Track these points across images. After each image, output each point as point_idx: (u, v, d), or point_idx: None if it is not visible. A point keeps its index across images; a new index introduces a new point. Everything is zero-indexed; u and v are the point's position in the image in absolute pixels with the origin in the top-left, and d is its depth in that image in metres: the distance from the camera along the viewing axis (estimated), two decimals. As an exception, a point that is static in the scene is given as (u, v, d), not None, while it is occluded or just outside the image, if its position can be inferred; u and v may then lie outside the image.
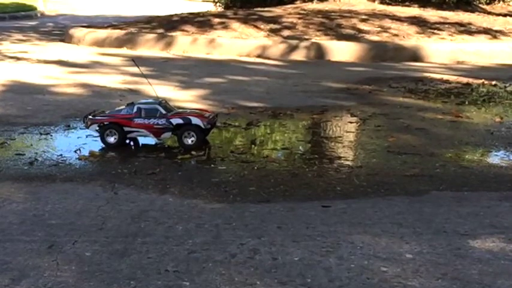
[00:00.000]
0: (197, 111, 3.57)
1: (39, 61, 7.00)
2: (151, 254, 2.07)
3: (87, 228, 2.29)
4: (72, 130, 3.81)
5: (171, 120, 3.38)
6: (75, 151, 3.33)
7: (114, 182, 2.82)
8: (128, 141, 3.47)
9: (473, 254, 2.11)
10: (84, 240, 2.17)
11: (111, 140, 3.40)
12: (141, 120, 3.39)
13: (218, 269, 1.97)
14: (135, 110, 3.41)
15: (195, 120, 3.38)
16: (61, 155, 3.26)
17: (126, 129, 3.40)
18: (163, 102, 3.48)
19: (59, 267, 1.96)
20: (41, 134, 3.71)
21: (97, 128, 3.43)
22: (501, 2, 11.75)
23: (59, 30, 11.31)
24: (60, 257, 2.04)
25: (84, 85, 5.42)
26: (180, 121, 3.38)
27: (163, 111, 3.40)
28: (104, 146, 3.41)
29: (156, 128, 3.39)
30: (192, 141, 3.38)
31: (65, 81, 5.61)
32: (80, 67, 6.58)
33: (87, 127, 3.46)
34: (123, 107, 3.55)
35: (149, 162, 3.16)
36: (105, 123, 3.41)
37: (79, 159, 3.19)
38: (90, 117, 3.45)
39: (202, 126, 3.38)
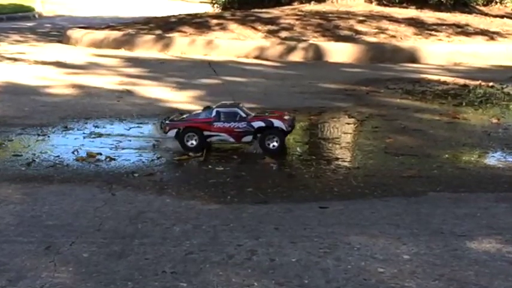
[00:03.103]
0: (276, 113, 3.47)
1: (36, 62, 7.00)
2: (149, 255, 2.07)
3: (85, 229, 2.29)
4: (70, 131, 3.81)
5: (252, 123, 3.30)
6: (73, 152, 3.32)
7: (112, 183, 2.82)
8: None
9: (470, 255, 2.11)
10: (81, 241, 2.17)
11: (191, 144, 3.34)
12: (221, 124, 3.31)
13: (215, 270, 1.97)
14: (214, 113, 3.33)
15: (277, 123, 3.30)
16: (58, 156, 3.26)
17: (206, 133, 3.32)
18: (241, 105, 3.40)
19: (56, 269, 1.96)
20: (38, 135, 3.71)
21: (176, 133, 3.35)
22: (498, 4, 11.78)
23: (56, 31, 11.30)
24: (57, 258, 2.04)
25: (81, 86, 5.42)
26: (262, 124, 3.30)
27: (243, 115, 3.32)
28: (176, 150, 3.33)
29: (236, 131, 3.31)
30: (274, 145, 3.31)
31: (62, 83, 5.61)
32: (77, 68, 6.58)
33: (166, 132, 3.38)
34: (200, 111, 3.47)
35: (147, 163, 3.16)
36: (185, 127, 3.34)
37: (76, 160, 3.19)
38: (169, 122, 3.39)
39: (284, 129, 3.31)
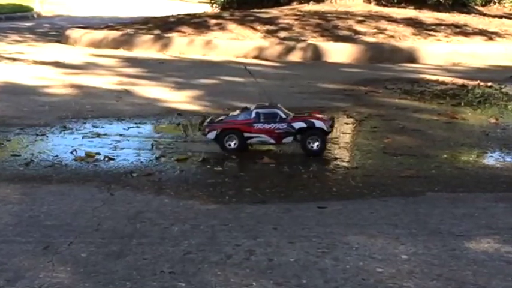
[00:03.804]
0: (313, 113, 3.43)
1: (35, 62, 7.00)
2: (147, 255, 2.07)
3: (83, 229, 2.28)
4: (68, 131, 3.81)
5: (292, 124, 3.26)
6: (71, 152, 3.32)
7: (110, 183, 2.82)
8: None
9: (468, 255, 2.12)
10: (79, 241, 2.17)
11: (231, 146, 3.31)
12: (261, 125, 3.27)
13: (214, 270, 1.97)
14: (253, 115, 3.29)
15: (319, 124, 3.25)
16: (57, 156, 3.26)
17: (246, 134, 3.29)
18: (279, 106, 3.37)
19: (54, 268, 1.96)
20: (36, 135, 3.70)
21: (216, 135, 3.32)
22: (497, 4, 11.80)
23: (55, 31, 11.30)
24: (55, 258, 2.03)
25: (80, 86, 5.42)
26: (303, 125, 3.26)
27: (283, 115, 3.29)
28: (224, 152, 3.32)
29: (277, 132, 3.28)
30: (317, 145, 3.27)
31: (61, 83, 5.60)
32: (76, 68, 6.57)
33: (205, 134, 3.36)
34: (238, 112, 3.42)
35: (145, 163, 3.16)
36: (225, 129, 3.31)
37: (75, 160, 3.19)
38: (208, 123, 3.36)
39: (326, 129, 3.27)
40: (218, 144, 3.34)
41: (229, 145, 3.31)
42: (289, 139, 3.30)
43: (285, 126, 3.27)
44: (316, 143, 3.27)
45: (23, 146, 3.46)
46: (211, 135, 3.33)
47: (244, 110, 3.39)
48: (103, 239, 2.19)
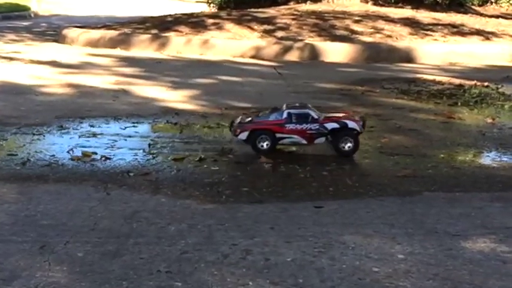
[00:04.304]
0: (344, 113, 3.42)
1: (32, 61, 6.99)
2: (144, 254, 2.07)
3: (79, 228, 2.28)
4: (65, 131, 3.80)
5: (325, 125, 3.25)
6: (68, 151, 3.32)
7: (107, 183, 2.82)
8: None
9: (464, 255, 2.12)
10: (76, 240, 2.17)
11: (263, 146, 3.29)
12: (293, 126, 3.25)
13: (210, 269, 1.97)
14: (285, 115, 3.27)
15: (352, 124, 3.24)
16: (54, 155, 3.25)
17: (278, 135, 3.28)
18: (310, 106, 3.35)
19: (50, 268, 1.96)
20: (33, 134, 3.70)
21: (247, 135, 3.29)
22: (493, 4, 11.81)
23: (52, 30, 11.28)
24: (51, 258, 2.03)
25: (77, 86, 5.41)
26: (336, 126, 3.24)
27: (315, 116, 3.27)
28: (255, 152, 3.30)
29: (309, 133, 3.26)
30: (349, 146, 3.26)
31: (58, 82, 5.60)
32: (73, 68, 6.57)
33: (236, 135, 3.32)
34: (268, 112, 3.40)
35: (142, 162, 3.16)
36: (256, 129, 3.28)
37: (72, 159, 3.19)
38: (237, 124, 3.33)
39: (359, 130, 3.26)
40: (250, 144, 3.31)
41: (262, 146, 3.29)
42: (321, 140, 3.29)
43: (318, 127, 3.25)
44: (349, 144, 3.26)
45: (19, 146, 3.45)
46: (243, 136, 3.30)
47: (274, 110, 3.37)
48: (99, 239, 2.19)
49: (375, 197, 2.69)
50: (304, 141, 3.29)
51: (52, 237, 2.20)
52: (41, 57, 7.37)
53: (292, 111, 3.29)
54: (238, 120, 3.40)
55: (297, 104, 3.42)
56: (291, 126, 3.26)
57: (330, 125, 3.25)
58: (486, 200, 2.67)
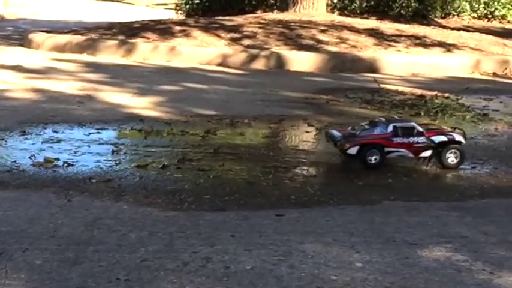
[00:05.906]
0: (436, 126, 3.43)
1: (-5, 65, 6.88)
2: (103, 262, 2.07)
3: (39, 235, 2.27)
4: (28, 136, 3.76)
5: (432, 138, 3.28)
6: (30, 157, 3.29)
7: (68, 189, 2.80)
8: None
9: (420, 263, 2.17)
10: (34, 248, 2.16)
11: (372, 161, 3.26)
12: (400, 140, 3.26)
13: (170, 277, 1.98)
14: (390, 129, 3.27)
15: (459, 137, 3.29)
16: (15, 161, 3.22)
17: (387, 149, 3.27)
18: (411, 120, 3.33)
19: (7, 276, 1.95)
20: (-6, 139, 3.65)
21: (358, 150, 3.26)
22: (455, 17, 12.04)
23: (18, 34, 11.11)
24: (9, 265, 2.02)
25: (41, 91, 5.35)
26: (444, 139, 3.28)
27: (420, 129, 3.29)
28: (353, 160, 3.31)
29: (416, 147, 3.27)
30: (457, 159, 3.29)
31: (22, 87, 5.52)
32: (37, 73, 6.49)
33: (345, 150, 3.27)
34: (366, 124, 3.39)
35: (105, 169, 3.14)
36: (366, 144, 3.26)
37: (33, 165, 3.16)
38: (344, 139, 3.27)
39: (464, 142, 3.30)
40: (359, 159, 3.29)
41: (370, 160, 3.28)
42: (428, 153, 3.31)
43: (424, 140, 3.28)
44: (455, 156, 3.31)
45: (-20, 151, 3.40)
46: (353, 150, 3.27)
47: (373, 123, 3.38)
48: (59, 246, 2.18)
49: (335, 206, 2.73)
50: (411, 155, 3.32)
51: (10, 244, 2.18)
52: (5, 61, 7.26)
53: (397, 124, 3.32)
54: (340, 136, 3.35)
55: (397, 117, 3.40)
56: (398, 140, 3.28)
57: (438, 138, 3.29)
58: (443, 209, 2.73)
